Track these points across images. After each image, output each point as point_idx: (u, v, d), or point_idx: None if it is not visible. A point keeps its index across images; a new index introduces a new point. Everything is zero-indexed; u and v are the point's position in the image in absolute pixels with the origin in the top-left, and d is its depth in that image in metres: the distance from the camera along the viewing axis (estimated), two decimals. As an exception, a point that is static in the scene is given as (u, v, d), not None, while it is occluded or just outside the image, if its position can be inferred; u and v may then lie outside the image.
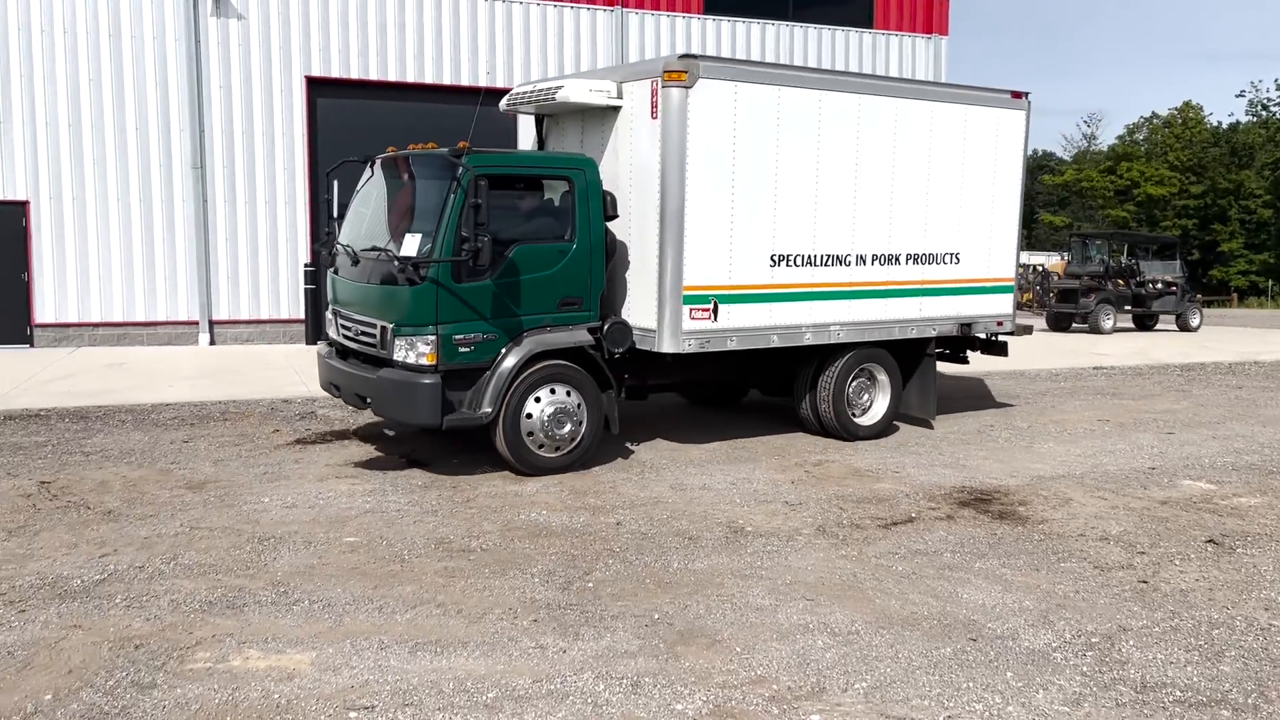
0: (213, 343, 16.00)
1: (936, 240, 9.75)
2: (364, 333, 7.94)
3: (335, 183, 8.77)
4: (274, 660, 4.48)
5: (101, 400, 10.60)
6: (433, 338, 7.45)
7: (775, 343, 8.84)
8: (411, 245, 7.55)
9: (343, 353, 8.37)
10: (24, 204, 15.10)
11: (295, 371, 12.96)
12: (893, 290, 9.52)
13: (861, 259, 9.27)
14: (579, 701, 4.16)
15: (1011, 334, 10.62)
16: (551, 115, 9.31)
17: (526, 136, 9.80)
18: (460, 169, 7.44)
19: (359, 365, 7.99)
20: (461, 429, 7.71)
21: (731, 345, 8.58)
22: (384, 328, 7.64)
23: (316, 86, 16.39)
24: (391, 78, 16.70)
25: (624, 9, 18.18)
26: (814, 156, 8.86)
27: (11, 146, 15.01)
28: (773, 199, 8.67)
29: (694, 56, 8.29)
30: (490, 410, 7.58)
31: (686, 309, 8.26)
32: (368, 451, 8.70)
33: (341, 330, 8.36)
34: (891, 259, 9.47)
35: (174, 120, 15.64)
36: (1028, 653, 4.74)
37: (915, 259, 9.63)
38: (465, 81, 17.04)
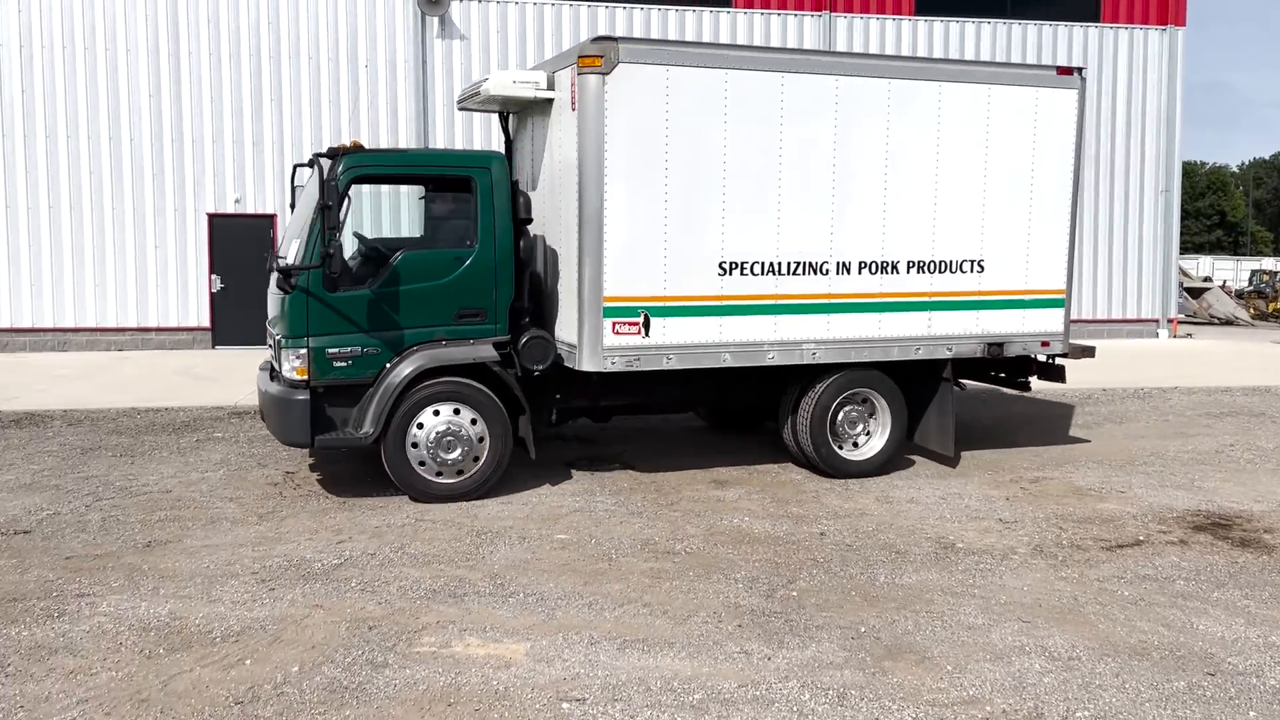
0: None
1: (949, 245, 8.36)
2: (271, 346, 7.76)
3: (297, 189, 8.15)
4: (492, 649, 4.71)
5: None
6: (304, 350, 7.03)
7: (729, 362, 7.78)
8: (292, 251, 7.23)
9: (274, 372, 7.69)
10: (272, 217, 16.53)
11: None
12: (889, 304, 8.19)
13: (845, 267, 8.06)
14: (784, 709, 4.16)
15: (1065, 355, 8.92)
16: (516, 112, 8.71)
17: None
18: (338, 169, 7.00)
19: (268, 382, 7.64)
20: (338, 449, 7.64)
21: (671, 364, 7.60)
22: (277, 340, 7.36)
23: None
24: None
25: (831, 13, 18.02)
26: (775, 149, 7.73)
27: (263, 167, 16.48)
28: (720, 199, 7.64)
29: (612, 38, 7.34)
30: (371, 430, 7.06)
31: (608, 323, 7.38)
32: (579, 452, 8.99)
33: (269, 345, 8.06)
34: (887, 267, 8.18)
35: (402, 139, 16.71)
36: (1274, 691, 4.37)
37: (920, 267, 8.29)
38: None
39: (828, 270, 7.99)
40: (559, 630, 4.94)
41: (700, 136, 7.51)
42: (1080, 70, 8.76)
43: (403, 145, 16.69)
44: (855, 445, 8.32)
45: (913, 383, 8.47)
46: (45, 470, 8.07)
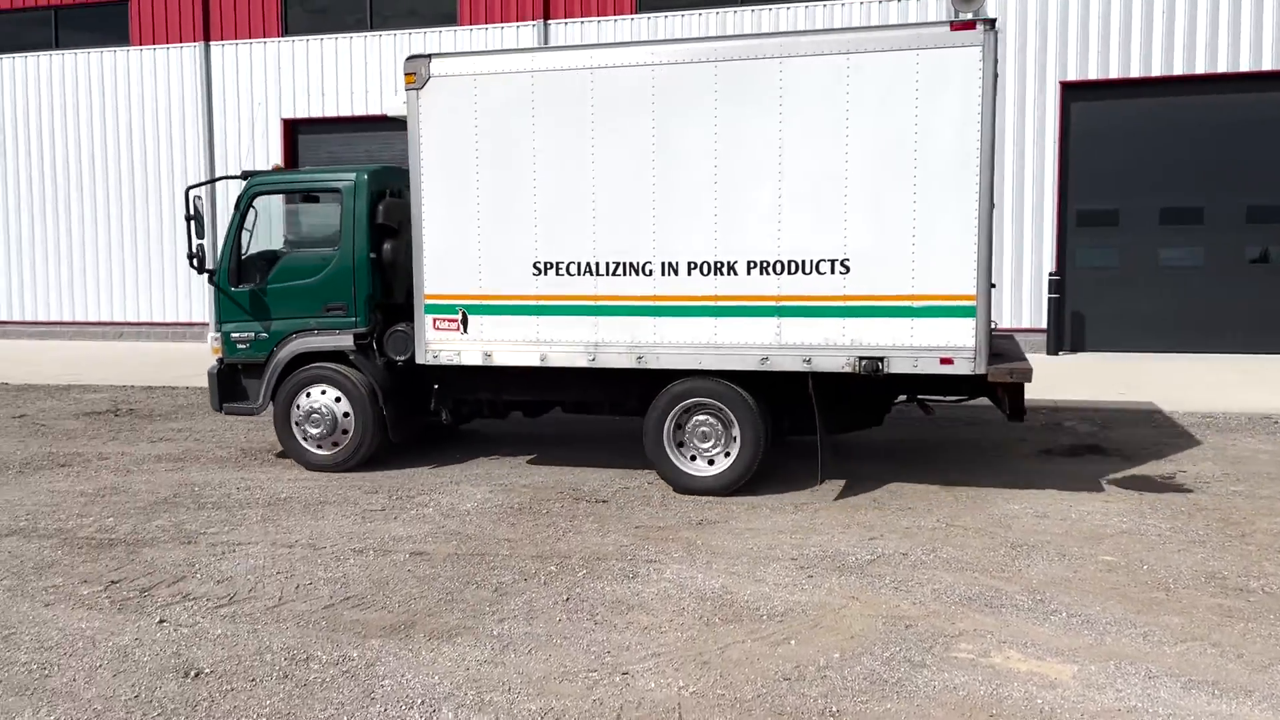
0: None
1: (800, 243, 7.27)
2: None
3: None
4: (1035, 665, 4.53)
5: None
6: (218, 334, 8.86)
7: (551, 361, 7.84)
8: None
9: None
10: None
11: (1036, 381, 12.84)
12: (725, 308, 7.44)
13: (671, 268, 7.51)
14: (1407, 793, 3.49)
15: (983, 377, 7.11)
16: None
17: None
18: (244, 187, 8.81)
19: None
20: (239, 415, 9.14)
21: (494, 360, 7.95)
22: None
23: (1070, 91, 16.03)
24: (1155, 73, 15.61)
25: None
26: (588, 148, 7.56)
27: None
28: (531, 199, 7.71)
29: (425, 55, 7.86)
30: (259, 403, 8.73)
31: (429, 319, 8.06)
32: (1119, 467, 8.29)
33: None
34: (722, 268, 7.43)
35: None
36: None
37: (764, 268, 7.35)
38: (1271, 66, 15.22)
39: (651, 271, 7.59)
40: (1109, 657, 4.60)
41: (509, 141, 7.74)
42: (990, 22, 6.87)
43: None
44: (711, 462, 7.68)
45: (782, 398, 7.69)
46: (624, 451, 9.20)
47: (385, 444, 8.68)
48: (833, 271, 7.29)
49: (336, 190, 8.70)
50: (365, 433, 8.53)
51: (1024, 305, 16.35)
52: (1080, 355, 15.93)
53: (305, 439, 8.66)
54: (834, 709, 4.14)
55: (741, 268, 7.46)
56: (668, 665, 4.57)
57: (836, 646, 4.76)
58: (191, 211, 8.70)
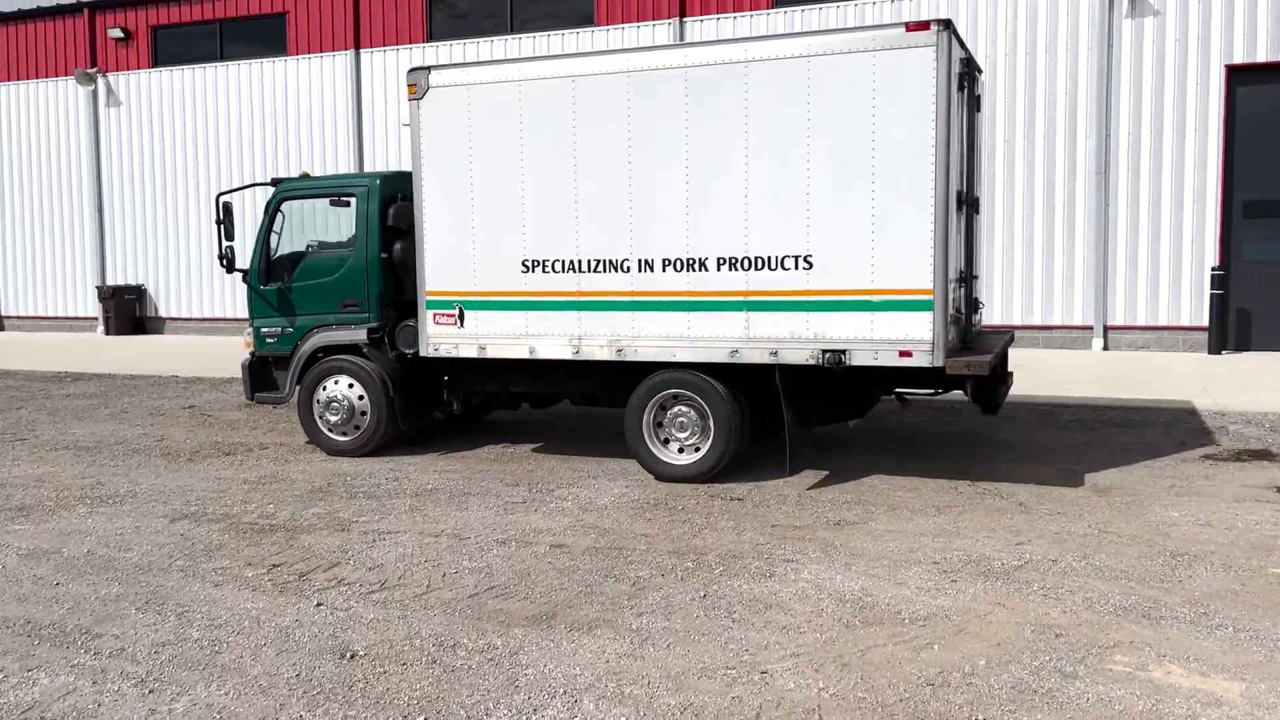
0: (1106, 348, 15.90)
1: (767, 240, 7.59)
2: None
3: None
4: (1197, 681, 4.31)
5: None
6: (250, 329, 9.62)
7: (539, 354, 8.34)
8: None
9: None
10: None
11: (1195, 381, 12.20)
12: (698, 302, 7.83)
13: (648, 265, 7.94)
14: None
15: (940, 369, 7.24)
16: None
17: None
18: (273, 193, 9.52)
19: None
20: (269, 404, 10.22)
21: (488, 353, 8.49)
22: None
23: (1236, 75, 15.10)
24: (1332, 52, 14.57)
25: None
26: (570, 153, 8.02)
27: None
28: (520, 202, 8.23)
29: (425, 67, 8.44)
30: (286, 393, 9.40)
31: (430, 314, 8.63)
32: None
33: None
34: (694, 264, 7.82)
35: (1080, 128, 15.90)
36: None
37: (733, 264, 7.71)
38: None
39: (629, 268, 7.97)
40: (1281, 676, 4.34)
41: (500, 147, 8.23)
42: (944, 22, 7.01)
43: (1081, 135, 15.89)
44: (683, 450, 8.07)
45: (764, 391, 7.91)
46: (761, 452, 9.17)
47: (397, 433, 9.25)
48: (797, 267, 7.57)
49: (352, 195, 9.31)
50: (380, 420, 9.12)
51: (1183, 302, 15.50)
52: (1244, 355, 15.01)
53: (326, 426, 9.32)
54: (979, 717, 4.04)
55: (712, 264, 7.80)
56: (807, 666, 4.54)
57: (982, 654, 4.63)
58: (220, 215, 9.42)
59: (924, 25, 7.13)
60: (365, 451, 9.16)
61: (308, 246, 9.75)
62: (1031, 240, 16.26)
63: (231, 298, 22.72)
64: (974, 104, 8.38)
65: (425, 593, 5.59)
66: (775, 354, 7.68)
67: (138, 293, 22.94)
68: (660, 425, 8.17)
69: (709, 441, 7.95)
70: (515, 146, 8.23)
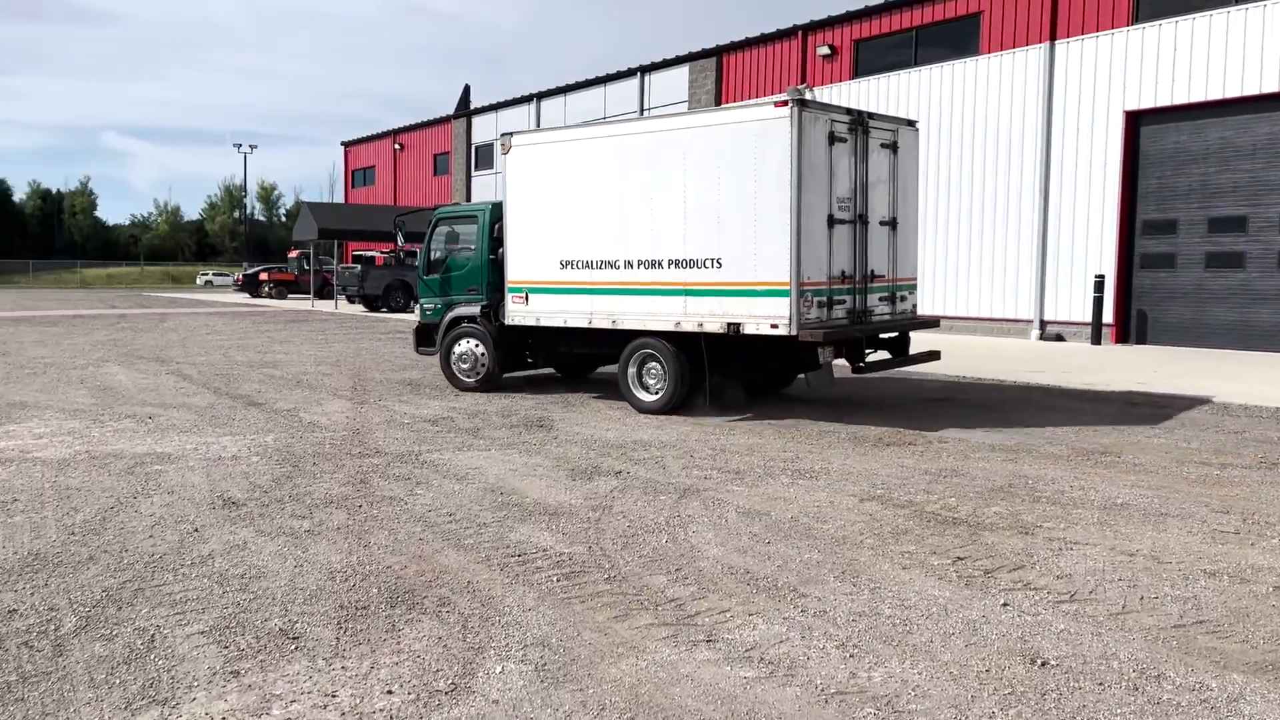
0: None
1: (696, 247, 11.04)
2: None
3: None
4: None
5: None
6: (417, 305, 15.35)
7: (569, 323, 12.30)
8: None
9: None
10: None
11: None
12: (657, 289, 11.41)
13: (629, 263, 11.63)
14: None
15: (794, 338, 10.53)
16: None
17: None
18: (433, 216, 14.65)
19: None
20: (427, 356, 14.98)
21: (541, 322, 12.61)
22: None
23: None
24: None
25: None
26: (587, 188, 12.02)
27: None
28: (559, 219, 12.31)
29: (511, 133, 12.86)
30: (436, 349, 13.93)
31: (510, 296, 12.85)
32: None
33: None
34: (655, 264, 11.40)
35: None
36: None
37: (676, 264, 11.22)
38: None
39: (618, 266, 11.76)
40: None
41: (550, 184, 12.43)
42: (794, 100, 10.23)
43: None
44: (651, 392, 11.81)
45: (695, 351, 11.46)
46: None
47: (500, 376, 13.68)
48: (713, 266, 10.99)
49: (475, 216, 13.89)
50: (490, 367, 13.45)
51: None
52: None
53: (459, 371, 13.72)
54: None
55: (665, 263, 11.39)
56: None
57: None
58: (394, 229, 15.86)
59: (784, 103, 10.36)
60: (482, 389, 13.51)
61: (453, 250, 14.31)
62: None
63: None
64: (891, 148, 11.71)
65: (1121, 613, 5.20)
66: (700, 325, 11.21)
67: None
68: (640, 375, 11.94)
69: (662, 388, 11.70)
70: (558, 185, 12.36)
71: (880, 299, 11.67)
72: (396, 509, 7.32)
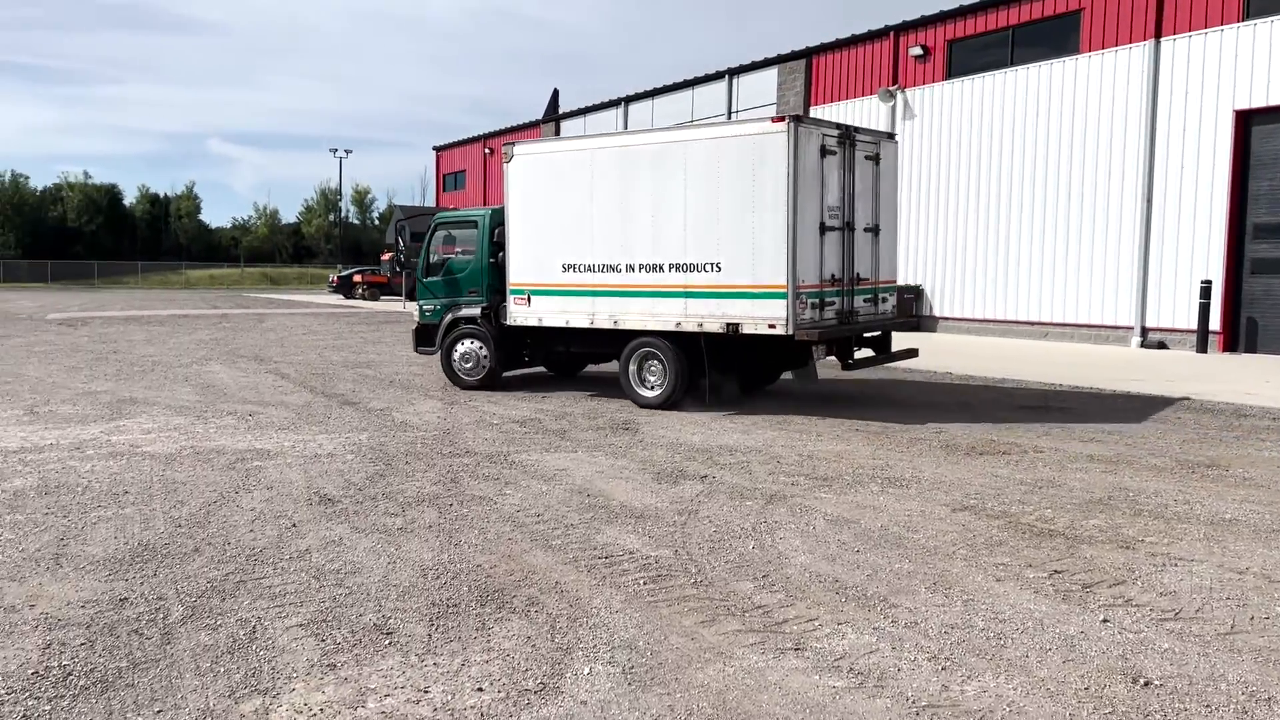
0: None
1: (696, 252, 11.67)
2: None
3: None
4: None
5: None
6: (414, 305, 15.47)
7: (572, 324, 12.82)
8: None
9: None
10: None
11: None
12: (659, 292, 12.00)
13: (631, 267, 12.18)
14: None
15: (791, 337, 11.24)
16: None
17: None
18: (433, 220, 14.92)
19: None
20: (426, 355, 15.32)
21: (543, 323, 13.12)
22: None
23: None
24: None
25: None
26: (588, 194, 12.51)
27: None
28: (562, 224, 12.83)
29: (512, 143, 13.30)
30: (436, 349, 14.32)
31: (512, 298, 13.33)
32: None
33: None
34: (656, 267, 11.97)
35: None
36: None
37: (677, 268, 11.81)
38: None
39: (620, 269, 12.31)
40: None
41: (551, 190, 12.94)
42: (791, 118, 11.00)
43: None
44: (651, 388, 12.40)
45: (694, 350, 12.06)
46: None
47: (500, 375, 14.12)
48: (713, 270, 11.61)
49: (475, 222, 14.32)
50: (490, 365, 13.87)
51: None
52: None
53: (461, 370, 14.12)
54: None
55: (667, 267, 11.94)
56: None
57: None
58: (396, 233, 15.94)
59: (781, 119, 11.07)
60: (482, 387, 13.94)
61: (451, 254, 14.57)
62: None
63: (1000, 299, 23.05)
64: (874, 160, 12.41)
65: (1229, 633, 5.00)
66: (701, 325, 11.82)
67: (915, 292, 24.50)
68: (640, 372, 12.51)
69: (662, 384, 12.30)
70: (559, 191, 12.85)
71: (865, 300, 12.46)
72: (486, 508, 7.43)
